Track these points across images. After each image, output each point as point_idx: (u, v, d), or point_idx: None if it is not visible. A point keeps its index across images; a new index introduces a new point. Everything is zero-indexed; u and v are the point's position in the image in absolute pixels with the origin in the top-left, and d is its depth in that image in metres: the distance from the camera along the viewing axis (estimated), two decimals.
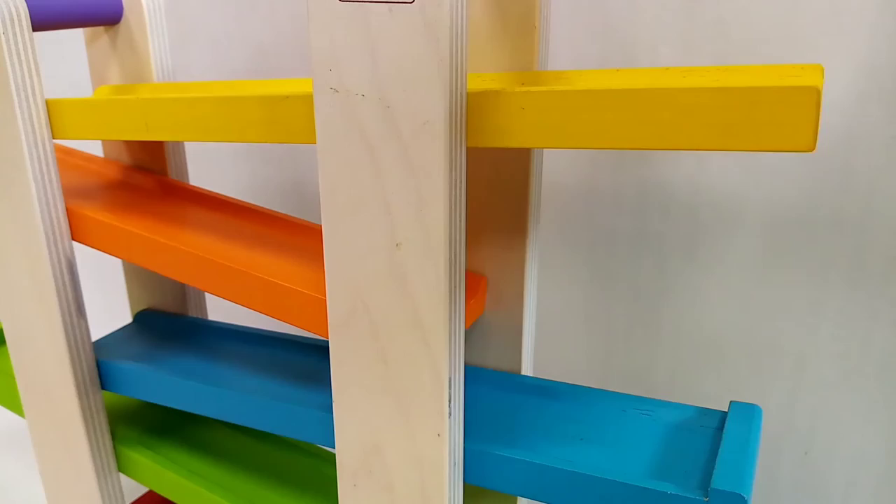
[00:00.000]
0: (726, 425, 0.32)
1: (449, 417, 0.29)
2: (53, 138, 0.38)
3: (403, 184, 0.27)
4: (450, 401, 0.29)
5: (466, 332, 0.38)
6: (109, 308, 0.64)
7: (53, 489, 0.47)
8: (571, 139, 0.26)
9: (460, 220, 0.28)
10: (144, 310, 0.50)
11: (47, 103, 0.38)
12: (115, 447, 0.45)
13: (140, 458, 0.44)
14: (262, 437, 0.47)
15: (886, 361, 0.44)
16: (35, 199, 0.38)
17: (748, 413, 0.33)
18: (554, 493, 0.31)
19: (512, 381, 0.37)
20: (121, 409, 0.48)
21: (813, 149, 0.23)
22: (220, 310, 0.56)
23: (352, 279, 0.29)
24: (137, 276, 0.49)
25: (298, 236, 0.39)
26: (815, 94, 0.23)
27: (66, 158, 0.48)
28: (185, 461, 0.44)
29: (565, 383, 0.37)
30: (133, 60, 0.43)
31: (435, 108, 0.25)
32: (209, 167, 0.64)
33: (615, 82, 0.31)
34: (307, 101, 0.30)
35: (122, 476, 0.46)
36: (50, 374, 0.42)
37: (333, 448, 0.33)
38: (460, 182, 0.27)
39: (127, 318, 0.51)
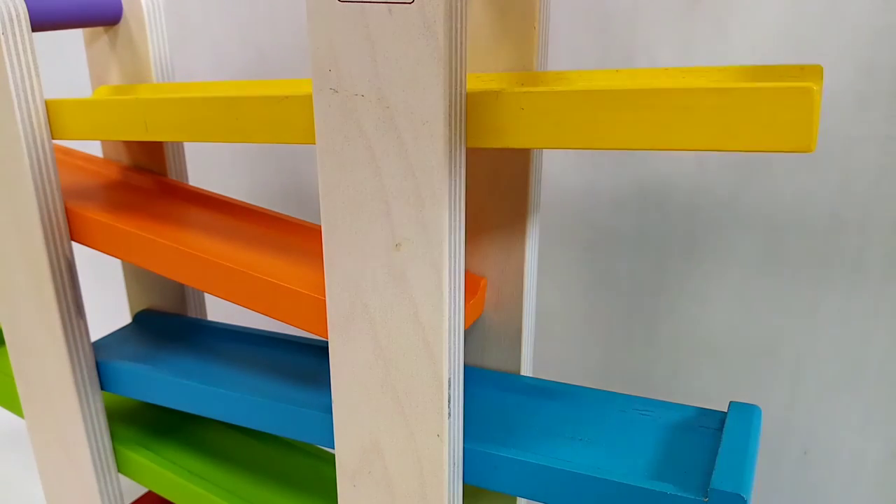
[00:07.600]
0: (726, 425, 0.32)
1: (448, 418, 0.29)
2: (53, 139, 0.38)
3: (403, 184, 0.27)
4: (449, 401, 0.29)
5: (466, 333, 0.38)
6: (109, 308, 0.64)
7: (53, 489, 0.47)
8: (571, 139, 0.26)
9: (460, 221, 0.28)
10: (144, 310, 0.50)
11: (47, 104, 0.38)
12: (114, 448, 0.45)
13: (139, 458, 0.44)
14: (262, 437, 0.47)
15: (886, 361, 0.44)
16: (34, 199, 0.38)
17: (748, 413, 0.33)
18: (553, 493, 0.31)
19: (511, 382, 0.37)
20: (120, 410, 0.48)
21: (812, 149, 0.23)
22: (219, 310, 0.56)
23: (351, 279, 0.29)
24: (137, 276, 0.49)
25: (298, 237, 0.39)
26: (814, 95, 0.23)
27: (65, 159, 0.48)
28: (184, 461, 0.44)
29: (565, 383, 0.37)
30: (132, 61, 0.43)
31: (434, 108, 0.25)
32: (209, 167, 0.64)
33: (615, 82, 0.31)
34: (307, 101, 0.30)
35: (122, 476, 0.46)
36: (49, 374, 0.42)
37: (333, 448, 0.33)
38: (460, 182, 0.27)
39: (126, 319, 0.50)
